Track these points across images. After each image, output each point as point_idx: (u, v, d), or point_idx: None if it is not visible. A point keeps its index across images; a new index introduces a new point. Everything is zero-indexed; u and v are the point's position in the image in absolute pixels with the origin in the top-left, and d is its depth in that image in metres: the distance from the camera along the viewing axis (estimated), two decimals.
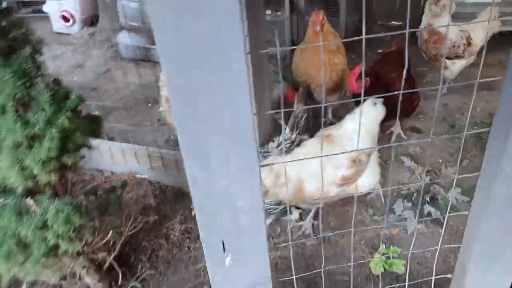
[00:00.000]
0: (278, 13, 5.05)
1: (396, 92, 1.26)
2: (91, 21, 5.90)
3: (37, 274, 1.93)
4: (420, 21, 3.87)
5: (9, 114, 1.72)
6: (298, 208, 2.74)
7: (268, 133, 3.18)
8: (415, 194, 2.88)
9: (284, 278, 2.01)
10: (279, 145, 2.72)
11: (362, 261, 2.47)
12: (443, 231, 2.52)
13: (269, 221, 2.68)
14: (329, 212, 2.88)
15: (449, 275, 1.71)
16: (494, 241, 1.38)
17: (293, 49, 3.80)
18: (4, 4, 1.80)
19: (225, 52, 0.90)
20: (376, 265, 2.45)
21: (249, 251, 1.30)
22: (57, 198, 1.88)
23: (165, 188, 3.21)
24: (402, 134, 3.47)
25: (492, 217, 1.32)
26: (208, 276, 1.35)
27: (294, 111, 2.90)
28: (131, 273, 2.55)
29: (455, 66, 3.70)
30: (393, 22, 5.44)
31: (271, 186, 2.19)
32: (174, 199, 3.11)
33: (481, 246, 1.41)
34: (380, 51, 4.53)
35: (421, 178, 3.01)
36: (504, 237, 1.36)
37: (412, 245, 1.90)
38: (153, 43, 5.06)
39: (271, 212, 2.55)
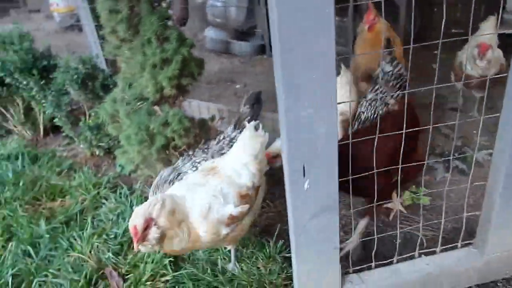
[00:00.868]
0: (344, 19, 5.77)
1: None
2: (183, 21, 7.00)
3: (155, 160, 2.77)
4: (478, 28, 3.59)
5: (153, 43, 2.61)
6: None
7: None
8: (446, 152, 3.41)
9: None
10: (218, 142, 2.62)
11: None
12: (471, 173, 3.01)
13: None
14: None
15: (477, 212, 2.19)
16: None
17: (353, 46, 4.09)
18: None
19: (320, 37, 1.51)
20: (407, 198, 3.03)
21: (323, 176, 1.69)
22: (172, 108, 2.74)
23: None
24: (403, 209, 2.81)
25: None
26: None
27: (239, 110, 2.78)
28: None
29: None
30: (453, 30, 5.89)
31: (168, 227, 1.90)
32: None
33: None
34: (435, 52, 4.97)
35: (453, 140, 3.50)
36: None
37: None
38: (233, 38, 6.00)
39: None
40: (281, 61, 1.54)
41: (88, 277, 2.33)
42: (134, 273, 2.34)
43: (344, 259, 2.18)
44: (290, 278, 2.30)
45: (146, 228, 1.87)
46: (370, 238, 2.22)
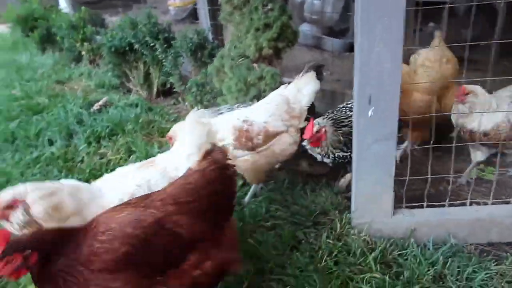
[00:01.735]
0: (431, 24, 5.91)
1: None
2: None
3: None
4: None
5: (259, 10, 3.20)
6: None
7: None
8: None
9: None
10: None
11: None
12: None
13: None
14: None
15: None
16: None
17: None
18: None
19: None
20: (473, 172, 3.23)
21: (385, 108, 2.14)
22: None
23: None
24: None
25: None
26: None
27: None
28: None
29: None
30: None
31: (44, 219, 1.84)
32: None
33: None
34: None
35: None
36: None
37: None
38: (325, 34, 6.48)
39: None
40: (361, 6, 2.01)
41: None
42: None
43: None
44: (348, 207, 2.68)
45: (8, 207, 1.81)
46: (424, 177, 2.50)
